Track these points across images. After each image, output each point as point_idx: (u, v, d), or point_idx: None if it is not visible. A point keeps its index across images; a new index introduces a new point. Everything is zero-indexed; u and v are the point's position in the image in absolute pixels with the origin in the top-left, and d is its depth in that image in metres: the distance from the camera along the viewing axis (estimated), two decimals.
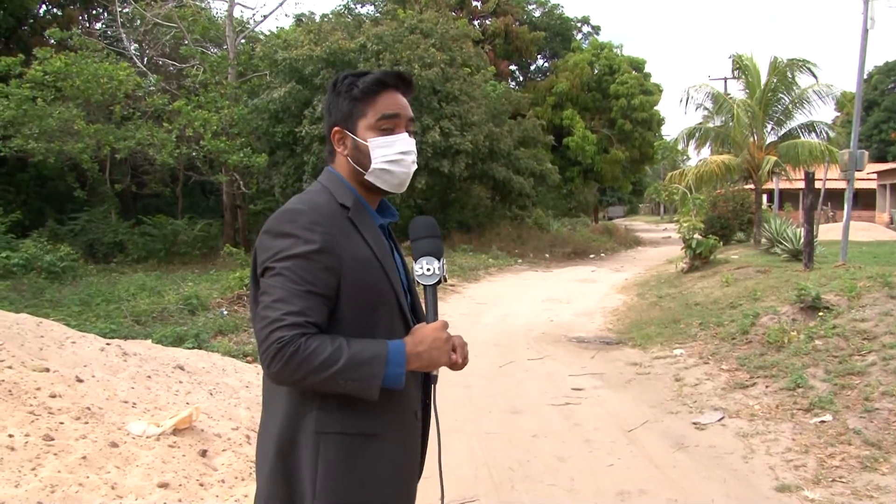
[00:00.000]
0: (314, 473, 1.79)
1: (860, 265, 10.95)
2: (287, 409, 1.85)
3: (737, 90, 24.88)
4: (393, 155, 1.91)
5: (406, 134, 1.95)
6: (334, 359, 1.70)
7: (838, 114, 67.60)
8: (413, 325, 1.91)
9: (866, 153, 11.98)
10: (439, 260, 1.93)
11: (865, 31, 11.54)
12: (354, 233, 1.87)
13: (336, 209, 1.89)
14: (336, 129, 1.97)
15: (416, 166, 1.99)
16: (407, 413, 1.92)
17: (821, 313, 7.81)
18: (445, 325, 1.86)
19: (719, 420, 6.01)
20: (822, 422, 5.56)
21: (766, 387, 6.59)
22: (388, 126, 1.92)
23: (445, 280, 1.96)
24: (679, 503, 4.43)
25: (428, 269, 1.91)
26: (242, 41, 23.70)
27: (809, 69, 20.41)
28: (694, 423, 5.99)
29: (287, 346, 1.70)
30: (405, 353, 1.79)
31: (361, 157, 1.93)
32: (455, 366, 1.91)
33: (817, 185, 15.51)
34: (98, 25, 27.17)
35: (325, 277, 1.77)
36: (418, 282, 1.95)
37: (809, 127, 21.71)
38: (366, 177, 1.94)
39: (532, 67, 38.57)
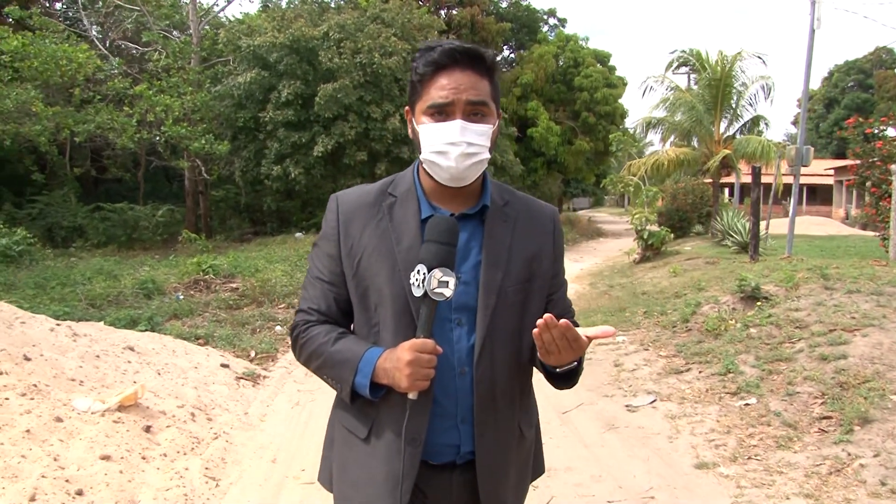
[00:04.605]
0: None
1: (803, 258, 11.30)
2: None
3: (694, 85, 25.54)
4: (439, 145, 1.66)
5: (459, 121, 1.64)
6: (319, 353, 1.73)
7: (799, 111, 68.98)
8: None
9: (812, 149, 12.37)
10: (430, 270, 1.56)
11: (812, 31, 11.91)
12: (384, 222, 1.74)
13: (374, 196, 1.79)
14: (406, 108, 1.80)
15: (475, 158, 1.67)
16: (389, 430, 1.70)
17: (759, 303, 8.10)
18: (418, 346, 1.57)
19: (651, 403, 6.28)
20: (747, 404, 5.85)
21: (700, 372, 6.87)
22: (438, 112, 1.67)
23: (440, 295, 1.57)
24: (602, 478, 4.67)
25: (414, 280, 1.59)
26: (206, 26, 23.53)
27: (759, 57, 21.28)
28: (626, 406, 6.26)
29: (293, 331, 1.83)
30: (374, 365, 1.65)
31: (418, 143, 1.73)
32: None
33: (770, 179, 15.92)
34: (58, 6, 26.75)
35: (328, 264, 1.78)
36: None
37: (755, 121, 22.47)
38: (423, 166, 1.76)
39: (498, 59, 38.69)
